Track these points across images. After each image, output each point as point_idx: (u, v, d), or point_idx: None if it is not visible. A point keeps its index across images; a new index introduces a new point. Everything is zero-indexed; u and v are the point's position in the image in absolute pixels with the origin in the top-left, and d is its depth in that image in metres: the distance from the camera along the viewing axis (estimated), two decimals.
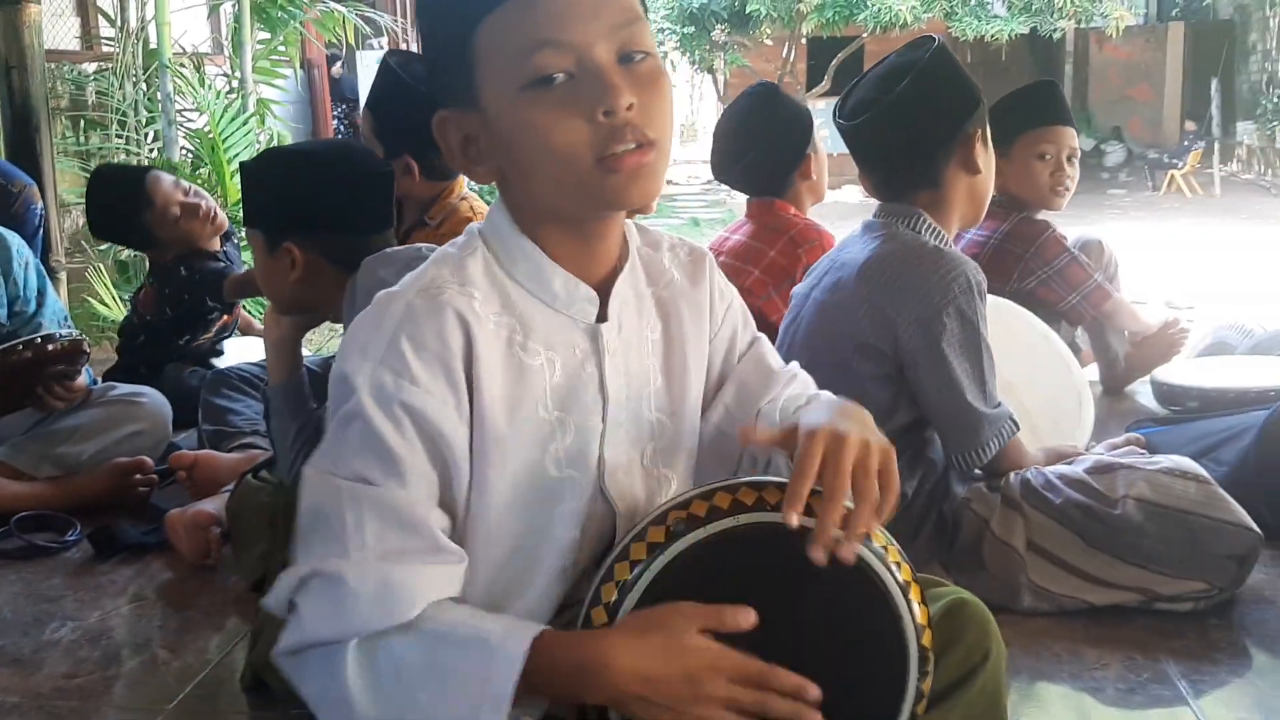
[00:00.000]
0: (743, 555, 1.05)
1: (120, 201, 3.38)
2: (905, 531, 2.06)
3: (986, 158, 2.13)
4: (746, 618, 1.00)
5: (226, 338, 3.70)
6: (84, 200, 3.55)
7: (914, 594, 1.07)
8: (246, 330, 3.86)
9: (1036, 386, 2.56)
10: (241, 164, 2.22)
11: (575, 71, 1.05)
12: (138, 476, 2.84)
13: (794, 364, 1.36)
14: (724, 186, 3.68)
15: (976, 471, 2.14)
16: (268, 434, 2.41)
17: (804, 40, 15.67)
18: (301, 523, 1.06)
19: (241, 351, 3.67)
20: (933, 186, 2.12)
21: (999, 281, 3.00)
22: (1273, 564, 2.24)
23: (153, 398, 3.04)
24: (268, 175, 2.12)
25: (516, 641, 0.99)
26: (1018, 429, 2.10)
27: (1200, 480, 2.09)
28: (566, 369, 1.15)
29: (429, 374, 1.06)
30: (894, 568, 1.06)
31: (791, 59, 15.41)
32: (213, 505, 2.50)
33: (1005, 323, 2.56)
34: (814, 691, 1.01)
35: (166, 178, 3.44)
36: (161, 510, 2.60)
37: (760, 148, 3.02)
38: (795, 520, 1.02)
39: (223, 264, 3.48)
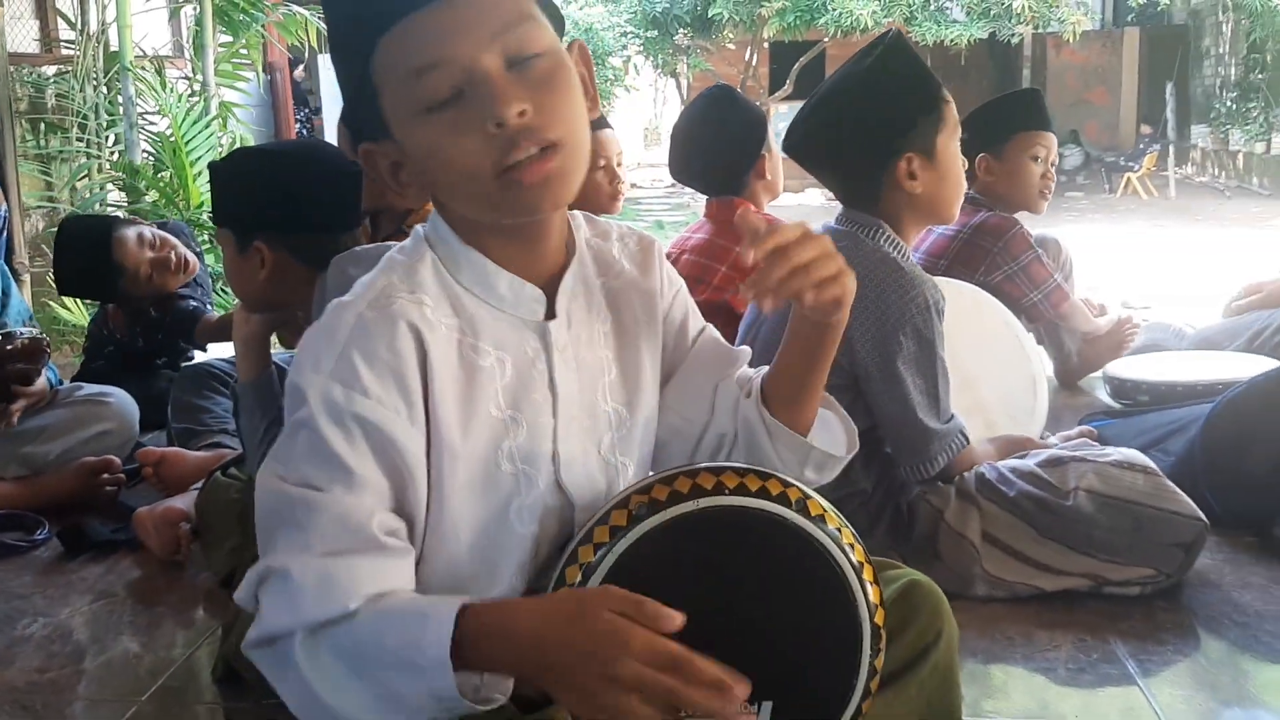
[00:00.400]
0: (702, 538, 1.08)
1: (90, 266, 3.30)
2: (863, 524, 2.11)
3: (930, 174, 2.09)
4: (671, 620, 0.93)
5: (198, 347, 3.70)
6: (52, 253, 3.45)
7: (867, 574, 1.12)
8: None
9: (995, 379, 2.61)
10: (211, 164, 2.24)
11: (464, 86, 1.04)
12: (105, 476, 2.86)
13: (745, 348, 1.37)
14: (688, 190, 3.71)
15: None
16: (237, 430, 2.43)
17: (766, 44, 15.72)
18: (259, 524, 1.08)
19: (212, 348, 3.68)
20: (873, 207, 2.13)
21: (966, 273, 3.06)
22: (1218, 550, 2.31)
23: (119, 397, 3.04)
24: (237, 175, 2.13)
25: (447, 607, 0.98)
26: (968, 442, 2.14)
27: (1148, 472, 2.16)
28: (517, 368, 1.16)
29: (380, 385, 1.07)
30: (848, 549, 1.11)
31: (754, 63, 15.46)
32: (182, 502, 2.52)
33: (970, 308, 2.61)
34: (740, 688, 0.93)
35: (130, 235, 3.32)
36: (130, 509, 2.62)
37: (717, 149, 3.05)
38: (751, 259, 1.07)
39: (194, 303, 3.44)
